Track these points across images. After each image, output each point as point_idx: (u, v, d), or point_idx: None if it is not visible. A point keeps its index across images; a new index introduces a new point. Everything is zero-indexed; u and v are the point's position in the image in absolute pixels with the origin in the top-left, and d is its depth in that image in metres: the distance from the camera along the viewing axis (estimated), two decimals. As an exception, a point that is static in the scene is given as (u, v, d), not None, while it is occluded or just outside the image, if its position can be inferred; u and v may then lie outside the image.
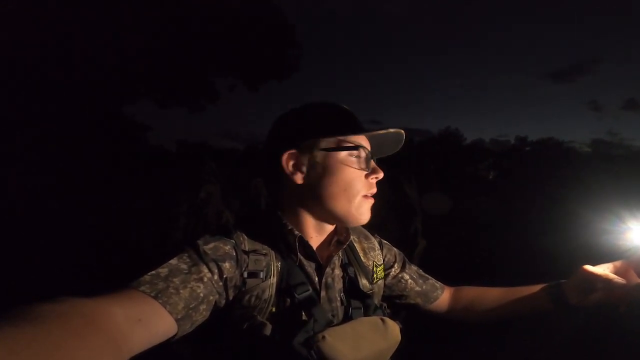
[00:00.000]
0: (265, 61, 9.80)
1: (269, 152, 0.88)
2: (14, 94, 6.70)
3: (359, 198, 0.84)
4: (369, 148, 0.87)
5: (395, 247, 1.10)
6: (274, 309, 0.77)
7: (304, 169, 0.84)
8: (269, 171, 0.89)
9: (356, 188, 0.84)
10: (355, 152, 0.84)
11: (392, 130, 0.87)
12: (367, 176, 0.86)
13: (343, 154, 0.83)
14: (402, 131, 0.89)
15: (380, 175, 0.87)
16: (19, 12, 6.31)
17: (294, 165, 0.85)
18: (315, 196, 0.85)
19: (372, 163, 0.87)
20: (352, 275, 0.90)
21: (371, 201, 0.87)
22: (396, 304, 1.06)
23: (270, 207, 0.91)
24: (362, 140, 0.86)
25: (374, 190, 0.88)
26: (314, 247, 0.86)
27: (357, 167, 0.84)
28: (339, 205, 0.84)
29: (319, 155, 0.83)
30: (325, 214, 0.86)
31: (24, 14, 6.39)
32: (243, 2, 8.67)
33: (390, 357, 0.84)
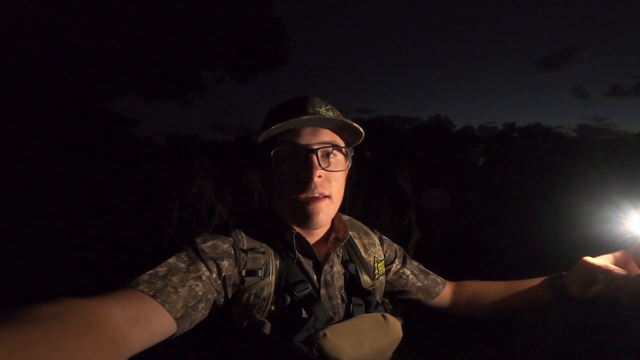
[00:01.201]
0: (253, 53, 9.66)
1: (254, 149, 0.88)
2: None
3: (292, 200, 0.79)
4: (306, 143, 0.79)
5: (391, 240, 1.09)
6: (273, 308, 0.77)
7: (262, 167, 0.85)
8: (260, 168, 0.89)
9: (287, 189, 0.80)
10: (284, 150, 0.79)
11: (303, 118, 0.77)
12: (300, 175, 0.78)
13: (273, 153, 0.79)
14: (329, 117, 0.79)
15: (312, 173, 0.77)
16: (2, 7, 6.12)
17: (259, 163, 0.86)
18: (271, 196, 0.86)
19: (308, 159, 0.78)
20: (353, 271, 0.90)
21: (316, 204, 0.79)
22: (398, 300, 1.06)
23: (267, 204, 0.90)
24: (295, 137, 0.79)
25: (310, 191, 0.78)
26: (311, 245, 0.85)
27: (286, 167, 0.79)
28: (281, 208, 0.84)
29: (263, 156, 0.83)
30: (283, 216, 0.85)
31: (8, 10, 6.21)
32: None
33: (392, 354, 0.84)
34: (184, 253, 0.71)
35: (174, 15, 7.90)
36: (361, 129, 0.83)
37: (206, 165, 3.88)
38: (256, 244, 0.81)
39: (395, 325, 0.81)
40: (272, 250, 0.81)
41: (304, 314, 0.76)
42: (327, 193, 0.80)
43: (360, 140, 0.87)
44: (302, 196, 0.78)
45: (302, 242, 0.83)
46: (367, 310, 0.84)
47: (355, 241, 0.96)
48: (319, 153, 0.79)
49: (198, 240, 0.75)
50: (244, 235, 0.81)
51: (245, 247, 0.79)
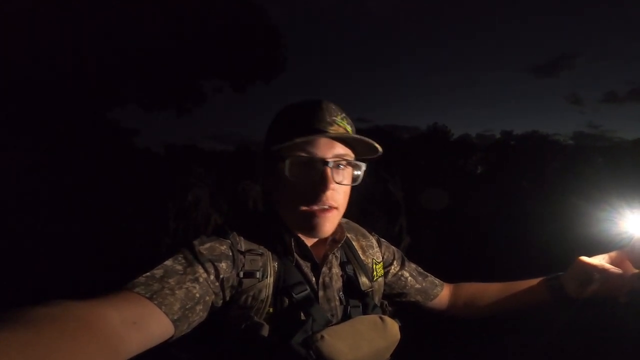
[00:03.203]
0: (250, 62, 9.73)
1: (260, 153, 0.88)
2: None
3: (301, 210, 0.79)
4: (322, 155, 0.78)
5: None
6: (271, 310, 0.76)
7: (270, 173, 0.85)
8: (262, 171, 0.89)
9: (297, 199, 0.79)
10: (299, 160, 0.78)
11: (333, 134, 0.77)
12: (314, 187, 0.78)
13: (286, 162, 0.78)
14: (358, 136, 0.79)
15: (327, 186, 0.77)
16: (2, 14, 6.17)
17: (266, 169, 0.86)
18: (275, 202, 0.86)
19: (324, 173, 0.77)
20: (351, 273, 0.89)
21: (324, 215, 0.79)
22: (397, 302, 1.05)
23: (267, 208, 0.90)
24: (311, 147, 0.78)
25: (322, 203, 0.78)
26: (310, 247, 0.85)
27: (299, 177, 0.78)
28: (287, 215, 0.83)
29: (273, 162, 0.82)
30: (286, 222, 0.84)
31: (7, 16, 6.25)
32: (226, 4, 8.61)
33: (390, 355, 0.83)
34: (181, 255, 0.71)
35: (171, 25, 7.96)
36: (379, 148, 0.82)
37: (203, 174, 3.89)
38: (254, 246, 0.81)
39: (393, 327, 0.81)
40: (270, 253, 0.81)
41: (302, 316, 0.76)
42: (336, 205, 0.81)
43: (376, 156, 0.86)
44: (313, 207, 0.79)
45: (301, 244, 0.83)
46: (364, 312, 0.84)
47: (353, 243, 0.96)
48: (333, 166, 0.79)
49: (195, 242, 0.75)
50: (241, 237, 0.81)
51: (242, 249, 0.79)
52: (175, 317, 0.62)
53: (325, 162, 0.78)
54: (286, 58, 10.21)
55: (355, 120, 0.88)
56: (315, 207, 0.79)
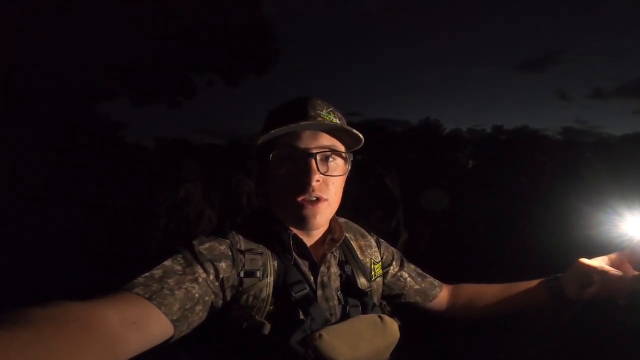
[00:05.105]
0: (242, 56, 9.67)
1: (254, 150, 0.88)
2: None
3: (291, 202, 0.79)
4: (305, 147, 0.79)
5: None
6: (271, 308, 0.76)
7: (261, 169, 0.85)
8: (255, 168, 0.89)
9: (285, 191, 0.80)
10: (283, 153, 0.79)
11: (302, 123, 0.77)
12: (299, 179, 0.78)
13: (272, 156, 0.79)
14: (333, 124, 0.79)
15: (311, 177, 0.77)
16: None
17: (258, 165, 0.87)
18: (268, 198, 0.87)
19: (307, 164, 0.78)
20: (349, 273, 0.89)
21: (313, 207, 0.79)
22: (396, 303, 1.05)
23: (262, 204, 0.91)
24: (295, 140, 0.79)
25: (308, 194, 0.78)
26: (308, 246, 0.85)
27: (285, 169, 0.79)
28: (279, 210, 0.84)
29: (262, 158, 0.83)
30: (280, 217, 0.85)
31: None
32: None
33: (389, 355, 0.83)
34: (180, 255, 0.71)
35: (162, 18, 7.85)
36: (360, 135, 0.82)
37: (195, 169, 3.85)
38: (253, 245, 0.81)
39: (392, 326, 0.81)
40: (269, 252, 0.81)
41: (301, 315, 0.76)
42: (325, 197, 0.80)
43: (361, 145, 0.86)
44: (300, 199, 0.78)
45: (299, 243, 0.83)
46: (363, 312, 0.84)
47: (352, 243, 0.96)
48: (318, 157, 0.79)
49: (195, 242, 0.74)
50: (240, 236, 0.81)
51: (242, 248, 0.79)
52: (174, 318, 0.62)
53: (309, 154, 0.78)
54: (279, 51, 10.15)
55: (347, 114, 0.88)
56: (301, 198, 0.78)
